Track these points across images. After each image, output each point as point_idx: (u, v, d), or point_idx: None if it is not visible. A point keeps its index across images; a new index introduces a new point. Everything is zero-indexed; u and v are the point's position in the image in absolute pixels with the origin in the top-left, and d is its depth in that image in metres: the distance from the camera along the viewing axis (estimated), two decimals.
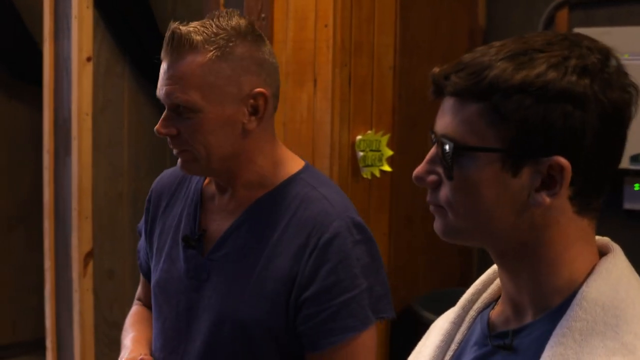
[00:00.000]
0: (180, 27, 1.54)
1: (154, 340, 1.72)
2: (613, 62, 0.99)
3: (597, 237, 1.06)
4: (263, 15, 2.37)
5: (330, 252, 1.53)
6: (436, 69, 1.02)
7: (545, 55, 0.98)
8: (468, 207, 1.02)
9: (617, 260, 1.03)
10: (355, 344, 1.53)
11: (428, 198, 1.04)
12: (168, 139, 1.57)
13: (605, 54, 1.00)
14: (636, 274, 1.03)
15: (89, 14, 3.31)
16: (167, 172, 1.82)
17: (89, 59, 3.36)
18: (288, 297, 1.54)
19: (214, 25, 1.55)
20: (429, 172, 1.03)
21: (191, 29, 1.54)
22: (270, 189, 1.62)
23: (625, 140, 1.01)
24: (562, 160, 0.96)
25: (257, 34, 1.60)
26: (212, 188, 1.68)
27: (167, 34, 1.54)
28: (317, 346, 1.53)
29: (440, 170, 1.01)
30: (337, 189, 1.68)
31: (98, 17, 3.44)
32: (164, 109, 1.57)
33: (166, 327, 1.68)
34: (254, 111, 1.56)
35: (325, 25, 2.52)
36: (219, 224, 1.64)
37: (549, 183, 0.97)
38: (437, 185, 1.03)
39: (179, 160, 1.60)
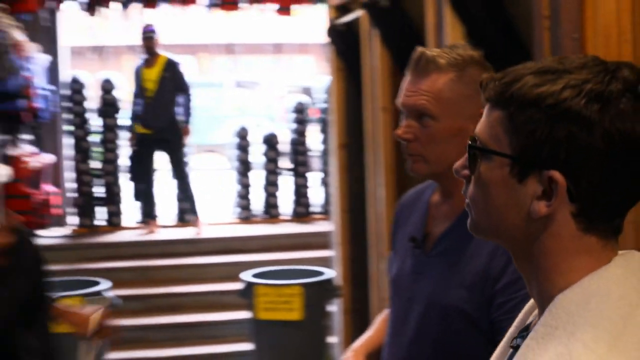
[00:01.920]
0: (427, 51, 1.87)
1: (387, 328, 2.06)
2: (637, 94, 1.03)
3: (623, 252, 1.09)
4: (575, 35, 2.48)
5: None
6: (485, 76, 1.12)
7: (570, 76, 1.04)
8: (482, 205, 1.11)
9: (608, 273, 1.05)
10: None
11: (462, 190, 1.15)
12: (404, 144, 1.89)
13: (633, 84, 1.02)
14: (632, 290, 1.04)
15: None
16: (410, 191, 2.19)
17: None
18: (483, 288, 1.80)
19: (454, 53, 1.88)
20: (465, 166, 1.13)
21: (435, 53, 1.87)
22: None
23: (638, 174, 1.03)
24: (557, 175, 1.02)
25: (486, 65, 1.92)
26: (437, 198, 1.99)
27: (415, 55, 1.88)
28: (504, 332, 1.65)
29: None
30: None
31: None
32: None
33: (394, 317, 2.02)
34: None
35: (626, 41, 2.61)
36: (438, 228, 1.95)
37: (549, 194, 1.04)
38: (469, 180, 1.12)
39: (409, 162, 1.91)
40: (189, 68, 8.50)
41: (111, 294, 5.51)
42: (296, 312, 5.26)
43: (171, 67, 7.90)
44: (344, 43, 5.48)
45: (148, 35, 7.82)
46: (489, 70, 1.89)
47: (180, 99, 7.92)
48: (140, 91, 7.92)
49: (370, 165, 4.79)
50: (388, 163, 4.58)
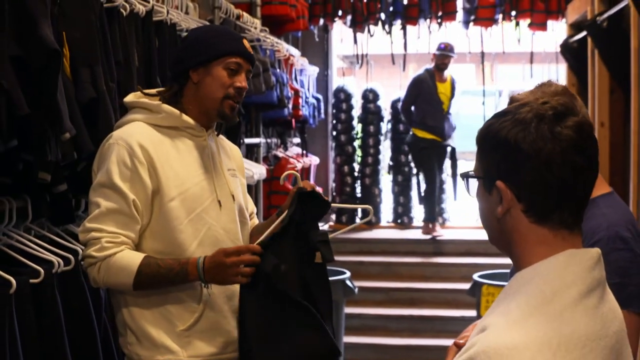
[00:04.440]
0: (516, 96, 2.16)
1: None
2: (558, 119, 1.37)
3: (581, 249, 1.41)
4: None
5: None
6: None
7: (512, 108, 1.42)
8: (481, 217, 1.50)
9: (555, 259, 1.37)
10: None
11: None
12: None
13: (558, 114, 1.38)
14: (570, 273, 1.35)
15: None
16: None
17: None
18: None
19: (539, 92, 2.16)
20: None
21: (524, 96, 2.14)
22: None
23: (567, 180, 1.36)
24: (500, 184, 1.40)
25: (570, 94, 2.12)
26: None
27: (510, 99, 2.19)
28: None
29: None
30: (620, 212, 2.20)
31: None
32: None
33: None
34: None
35: None
36: None
37: (502, 199, 1.41)
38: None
39: None
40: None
41: (350, 283, 6.15)
42: None
43: (453, 83, 8.44)
44: (575, 60, 5.71)
45: (445, 54, 8.26)
46: (574, 99, 2.18)
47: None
48: (430, 101, 8.26)
49: None
50: (603, 175, 4.77)
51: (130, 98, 2.62)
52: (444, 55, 8.24)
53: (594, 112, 4.98)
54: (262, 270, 2.40)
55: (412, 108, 8.33)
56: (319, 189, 2.64)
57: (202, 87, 2.55)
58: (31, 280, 2.46)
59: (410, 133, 8.41)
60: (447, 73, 8.38)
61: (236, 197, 2.65)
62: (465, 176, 1.52)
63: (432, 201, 8.31)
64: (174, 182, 2.47)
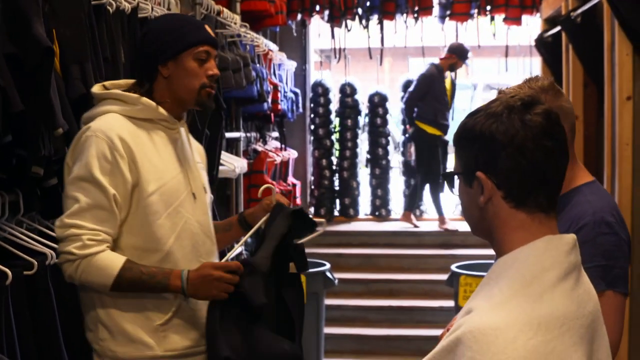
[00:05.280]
0: (504, 89, 2.24)
1: None
2: (526, 108, 1.48)
3: (565, 235, 1.53)
4: None
5: (578, 237, 2.07)
6: None
7: (483, 106, 1.55)
8: (463, 211, 1.63)
9: (533, 245, 1.48)
10: None
11: None
12: None
13: (526, 104, 1.49)
14: (548, 258, 1.46)
15: (628, 60, 4.01)
16: None
17: (628, 98, 4.05)
18: None
19: (526, 87, 2.29)
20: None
21: (511, 90, 2.22)
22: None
23: (540, 162, 1.46)
24: (480, 175, 1.52)
25: (556, 89, 2.32)
26: None
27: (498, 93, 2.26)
28: None
29: None
30: (605, 199, 2.31)
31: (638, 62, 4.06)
32: None
33: None
34: None
35: None
36: None
37: (483, 189, 1.52)
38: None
39: None
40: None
41: (329, 274, 6.24)
42: None
43: (453, 79, 8.54)
44: (550, 54, 5.83)
45: (463, 54, 8.35)
46: (560, 94, 2.31)
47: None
48: (440, 99, 8.34)
49: None
50: None
51: (100, 89, 2.59)
52: (465, 57, 8.34)
53: None
54: (239, 288, 2.44)
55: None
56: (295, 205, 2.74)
57: (175, 80, 2.54)
58: (25, 272, 2.52)
59: (414, 129, 8.42)
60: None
61: (207, 189, 2.70)
62: (446, 176, 1.62)
63: (439, 195, 8.42)
64: (153, 176, 2.47)
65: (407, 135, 9.00)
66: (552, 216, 1.54)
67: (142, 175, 2.45)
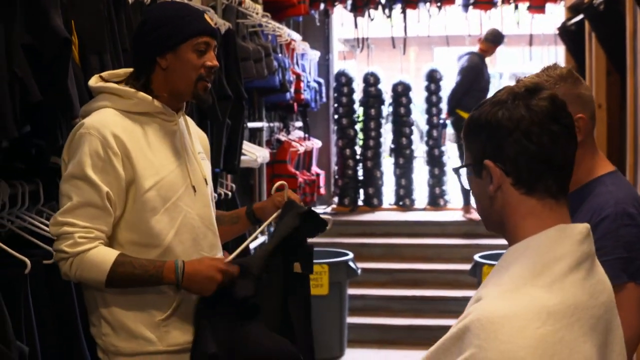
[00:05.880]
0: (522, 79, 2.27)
1: None
2: (531, 94, 1.48)
3: (578, 225, 1.51)
4: None
5: (599, 229, 2.12)
6: None
7: (489, 98, 1.55)
8: (476, 203, 1.62)
9: (545, 233, 1.47)
10: None
11: None
12: None
13: (530, 90, 1.49)
14: (560, 246, 1.45)
15: None
16: None
17: None
18: None
19: (544, 75, 2.27)
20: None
21: (528, 79, 2.19)
22: (580, 186, 2.26)
23: (547, 146, 1.46)
24: (488, 163, 1.51)
25: (575, 77, 2.28)
26: None
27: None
28: None
29: None
30: (626, 189, 2.28)
31: None
32: None
33: None
34: (578, 130, 2.15)
35: None
36: None
37: (492, 178, 1.51)
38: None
39: None
40: None
41: (352, 264, 6.25)
42: None
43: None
44: (573, 42, 5.78)
45: (500, 41, 8.32)
46: (579, 81, 2.28)
47: None
48: (483, 88, 8.30)
49: None
50: None
51: (96, 82, 2.55)
52: (498, 42, 8.29)
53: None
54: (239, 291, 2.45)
55: None
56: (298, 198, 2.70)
57: (173, 72, 2.49)
58: (44, 261, 2.55)
59: (456, 117, 8.32)
60: None
61: (209, 181, 2.66)
62: (456, 170, 1.62)
63: None
64: (149, 172, 2.44)
65: (442, 121, 8.91)
66: (562, 203, 1.53)
67: (137, 172, 2.43)
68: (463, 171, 1.61)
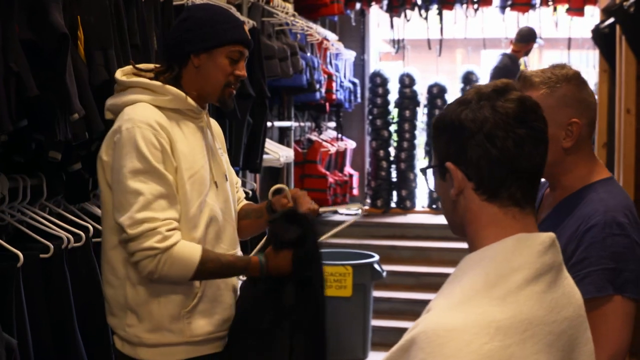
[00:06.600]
0: (526, 72, 2.22)
1: None
2: (498, 94, 1.41)
3: (541, 234, 1.42)
4: None
5: (585, 238, 2.07)
6: None
7: (456, 100, 1.47)
8: (441, 207, 1.54)
9: (504, 243, 1.39)
10: (593, 305, 1.93)
11: None
12: None
13: (499, 90, 1.42)
14: (518, 257, 1.37)
15: None
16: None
17: None
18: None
19: (549, 72, 2.21)
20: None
21: (532, 73, 2.21)
22: (572, 192, 2.20)
23: (511, 151, 1.38)
24: (449, 165, 1.43)
25: (581, 80, 2.21)
26: (548, 191, 2.31)
27: (518, 75, 2.23)
28: None
29: None
30: (619, 197, 2.18)
31: None
32: None
33: None
34: (569, 134, 2.15)
35: None
36: (544, 215, 2.27)
37: (454, 181, 1.44)
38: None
39: None
40: None
41: (377, 266, 6.20)
42: None
43: None
44: (607, 46, 5.66)
45: (530, 39, 8.05)
46: (583, 86, 2.19)
47: None
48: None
49: (616, 164, 4.98)
50: (628, 162, 4.73)
51: (125, 76, 2.57)
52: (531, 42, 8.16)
53: (620, 98, 4.94)
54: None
55: None
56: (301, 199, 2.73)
57: (203, 72, 2.55)
58: (41, 255, 2.56)
59: None
60: None
61: (228, 176, 2.71)
62: (423, 170, 1.56)
63: None
64: (185, 165, 2.48)
65: None
66: (528, 211, 1.44)
67: (180, 163, 2.47)
68: (430, 172, 1.54)
